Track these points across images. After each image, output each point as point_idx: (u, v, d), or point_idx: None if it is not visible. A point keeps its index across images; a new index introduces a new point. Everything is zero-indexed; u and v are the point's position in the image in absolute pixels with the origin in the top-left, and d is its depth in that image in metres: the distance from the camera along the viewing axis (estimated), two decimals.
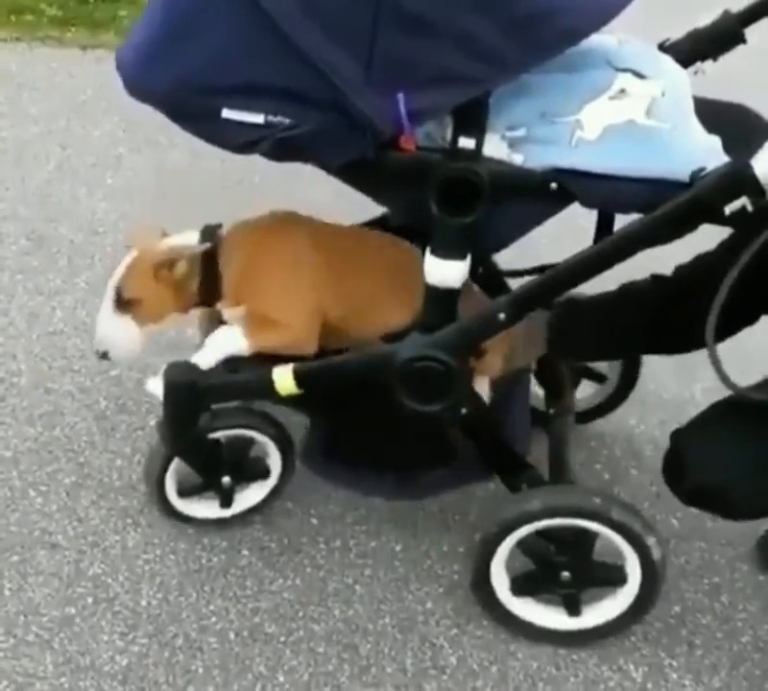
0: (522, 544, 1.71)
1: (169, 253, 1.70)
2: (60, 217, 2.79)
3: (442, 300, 1.59)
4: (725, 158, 1.44)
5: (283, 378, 1.66)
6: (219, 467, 1.86)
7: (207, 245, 1.71)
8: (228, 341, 1.72)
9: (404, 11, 1.35)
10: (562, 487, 1.78)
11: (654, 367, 2.17)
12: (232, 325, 1.74)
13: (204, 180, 2.95)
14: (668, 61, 1.66)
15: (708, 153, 1.46)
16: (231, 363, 1.76)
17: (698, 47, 1.73)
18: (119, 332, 1.72)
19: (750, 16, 1.72)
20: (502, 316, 1.56)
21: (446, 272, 1.55)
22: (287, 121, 1.43)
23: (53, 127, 3.25)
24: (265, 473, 1.91)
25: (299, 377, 1.66)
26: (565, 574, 1.73)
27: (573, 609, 1.76)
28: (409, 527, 1.96)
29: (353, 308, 1.72)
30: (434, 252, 1.54)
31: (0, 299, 2.47)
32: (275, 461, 1.89)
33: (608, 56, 1.58)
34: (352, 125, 1.41)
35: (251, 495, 1.92)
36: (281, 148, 1.44)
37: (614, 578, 1.72)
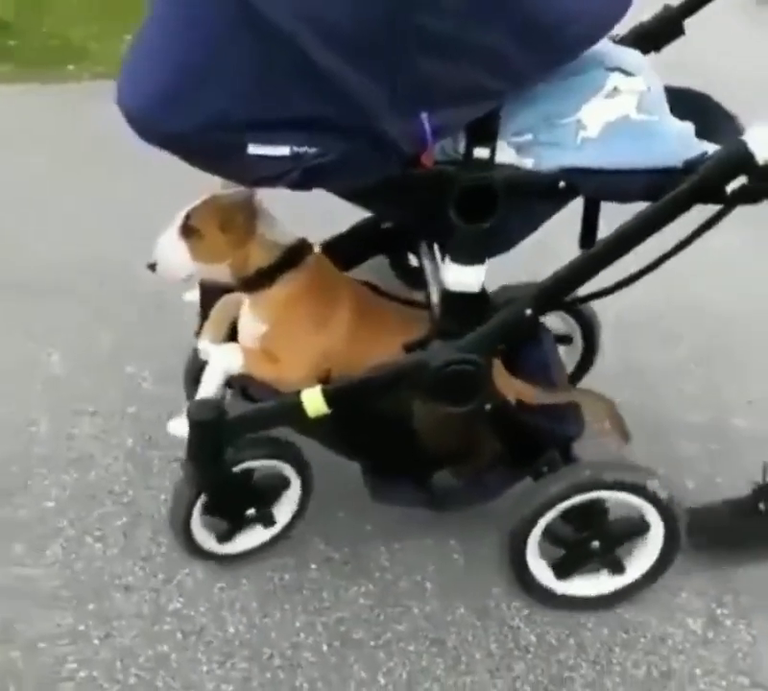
0: (548, 533, 1.80)
1: (245, 204, 1.73)
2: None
3: (463, 305, 1.66)
4: (706, 143, 1.58)
5: (313, 399, 1.70)
6: (244, 499, 1.89)
7: (290, 243, 1.78)
8: (227, 356, 1.80)
9: (426, 33, 1.38)
10: (576, 465, 1.84)
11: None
12: (243, 340, 1.82)
13: None
14: (640, 57, 1.76)
15: (688, 138, 1.59)
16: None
17: (643, 41, 1.84)
18: (173, 254, 1.75)
19: (688, 8, 1.85)
20: (529, 311, 1.64)
21: (467, 276, 1.62)
22: (313, 150, 1.44)
23: None
24: (285, 486, 1.91)
25: (328, 397, 1.70)
26: (595, 544, 1.84)
27: (617, 569, 1.87)
28: (456, 522, 2.05)
29: (355, 368, 1.76)
30: (454, 259, 1.61)
31: None
32: (294, 486, 1.91)
33: (598, 56, 1.63)
34: (377, 147, 1.44)
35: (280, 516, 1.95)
36: (307, 177, 1.46)
37: (638, 528, 1.83)
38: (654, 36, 1.86)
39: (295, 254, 1.79)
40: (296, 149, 1.43)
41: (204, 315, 1.93)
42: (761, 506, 2.01)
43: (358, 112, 1.41)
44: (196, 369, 2.02)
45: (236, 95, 1.42)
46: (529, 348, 2.04)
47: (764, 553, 2.03)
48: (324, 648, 1.82)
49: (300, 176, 1.45)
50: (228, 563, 1.94)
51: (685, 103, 1.68)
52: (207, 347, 1.86)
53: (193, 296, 1.90)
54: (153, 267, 1.77)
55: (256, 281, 1.79)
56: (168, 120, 1.45)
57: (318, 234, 1.92)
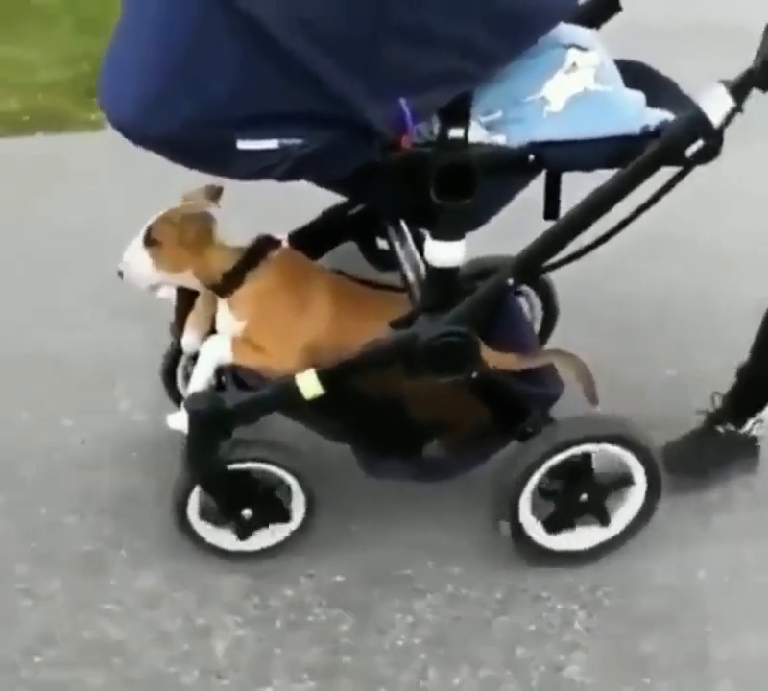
0: (539, 488, 1.88)
1: (200, 216, 1.85)
2: None
3: (446, 280, 1.74)
4: (658, 111, 1.71)
5: (308, 381, 1.76)
6: (240, 500, 1.91)
7: (250, 243, 1.87)
8: (216, 348, 1.87)
9: (400, 25, 1.48)
10: (559, 423, 1.90)
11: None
12: (222, 335, 1.89)
13: None
14: (590, 33, 1.83)
15: (641, 106, 1.72)
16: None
17: (585, 19, 1.88)
18: (137, 263, 1.88)
19: None
20: (510, 281, 1.76)
21: (450, 252, 1.71)
22: (299, 142, 1.51)
23: None
24: (285, 516, 1.93)
25: (322, 378, 1.76)
26: (584, 496, 1.92)
27: (604, 520, 1.95)
28: None
29: (344, 351, 1.82)
30: (437, 237, 1.70)
31: None
32: (298, 499, 1.92)
33: (554, 35, 1.69)
34: (359, 134, 1.53)
35: (275, 532, 1.96)
36: (296, 168, 1.54)
37: (623, 478, 1.92)
38: (594, 14, 1.93)
39: (257, 253, 1.87)
40: (284, 141, 1.51)
41: (180, 313, 2.02)
42: (719, 428, 2.17)
43: (339, 102, 1.50)
44: (172, 368, 2.18)
45: (220, 93, 1.49)
46: (500, 317, 2.05)
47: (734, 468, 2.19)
48: None
49: (290, 167, 1.54)
50: (235, 559, 1.96)
51: (628, 73, 1.79)
52: (195, 340, 1.96)
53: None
54: (120, 274, 1.90)
55: (225, 285, 1.87)
56: (155, 123, 1.53)
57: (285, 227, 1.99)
